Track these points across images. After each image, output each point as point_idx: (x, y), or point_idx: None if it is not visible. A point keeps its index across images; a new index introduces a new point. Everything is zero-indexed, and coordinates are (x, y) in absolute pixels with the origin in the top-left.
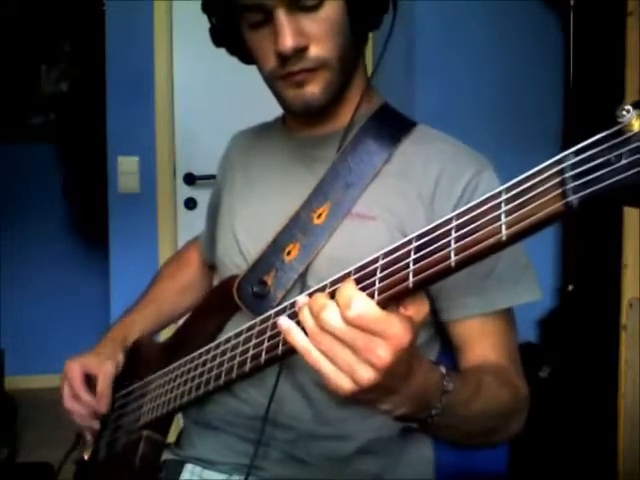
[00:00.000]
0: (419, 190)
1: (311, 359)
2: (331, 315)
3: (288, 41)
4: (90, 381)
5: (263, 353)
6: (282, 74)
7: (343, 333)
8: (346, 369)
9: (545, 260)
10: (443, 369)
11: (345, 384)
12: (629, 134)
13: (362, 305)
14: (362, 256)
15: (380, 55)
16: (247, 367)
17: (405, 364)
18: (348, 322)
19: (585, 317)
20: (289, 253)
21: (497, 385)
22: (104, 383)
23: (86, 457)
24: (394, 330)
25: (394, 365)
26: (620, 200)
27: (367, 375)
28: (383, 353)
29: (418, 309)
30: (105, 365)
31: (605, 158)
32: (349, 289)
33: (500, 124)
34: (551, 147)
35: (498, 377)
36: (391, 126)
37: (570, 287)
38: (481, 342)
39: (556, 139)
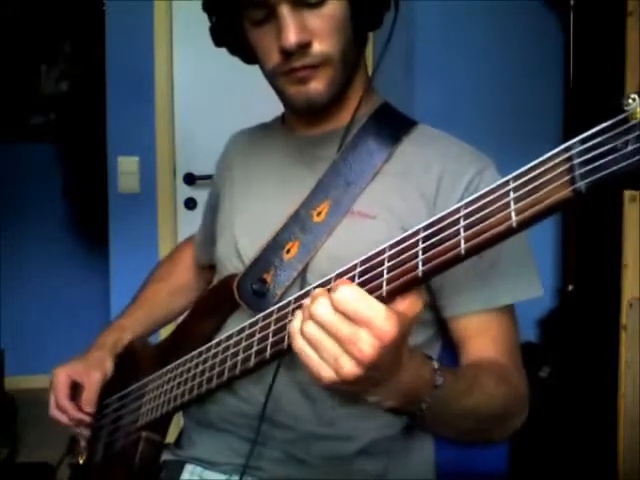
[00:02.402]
0: (421, 189)
1: (297, 346)
2: (320, 303)
3: (292, 36)
4: (77, 389)
5: (268, 348)
6: (285, 70)
7: (328, 321)
8: (329, 360)
9: (545, 260)
10: (435, 364)
11: (326, 374)
12: (635, 121)
13: (350, 289)
14: (362, 255)
15: (381, 55)
16: (251, 362)
17: (391, 359)
18: (334, 306)
19: (585, 317)
20: (288, 251)
21: (494, 383)
22: (90, 392)
23: (81, 461)
24: (380, 323)
25: (377, 360)
26: (627, 185)
27: (349, 368)
28: (366, 347)
29: (412, 304)
30: (92, 373)
31: (612, 145)
32: (345, 281)
33: (500, 124)
34: (551, 147)
35: (496, 375)
36: (391, 125)
37: (570, 287)
38: (482, 338)
39: (556, 139)
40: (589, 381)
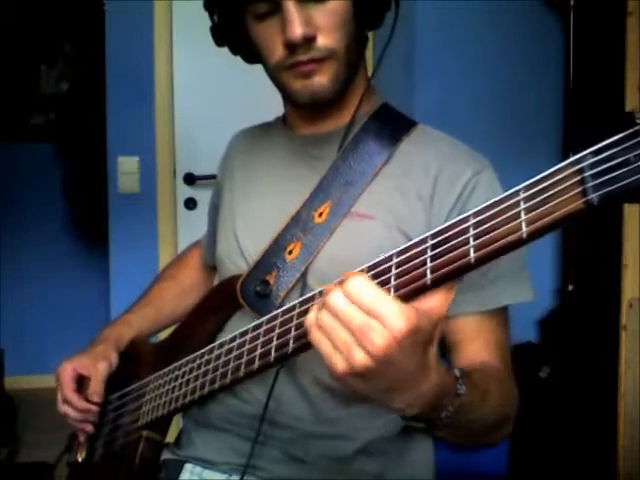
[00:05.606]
0: (419, 190)
1: (314, 337)
2: (334, 294)
3: (297, 29)
4: (84, 382)
5: (272, 351)
6: (289, 64)
7: (341, 310)
8: (342, 348)
9: (545, 260)
10: (457, 372)
11: (338, 363)
12: None
13: (361, 279)
14: (362, 255)
15: (381, 55)
16: (255, 365)
17: (408, 357)
18: (346, 295)
19: (585, 317)
20: (291, 252)
21: (497, 389)
22: (96, 384)
23: (79, 459)
24: (391, 315)
25: (390, 352)
26: (638, 199)
27: (360, 358)
28: (377, 338)
29: (439, 305)
30: (98, 366)
31: (624, 158)
32: (354, 273)
33: (500, 124)
34: (551, 147)
35: (497, 380)
36: (391, 126)
37: (570, 287)
38: (475, 340)
39: (556, 139)
40: (589, 381)
